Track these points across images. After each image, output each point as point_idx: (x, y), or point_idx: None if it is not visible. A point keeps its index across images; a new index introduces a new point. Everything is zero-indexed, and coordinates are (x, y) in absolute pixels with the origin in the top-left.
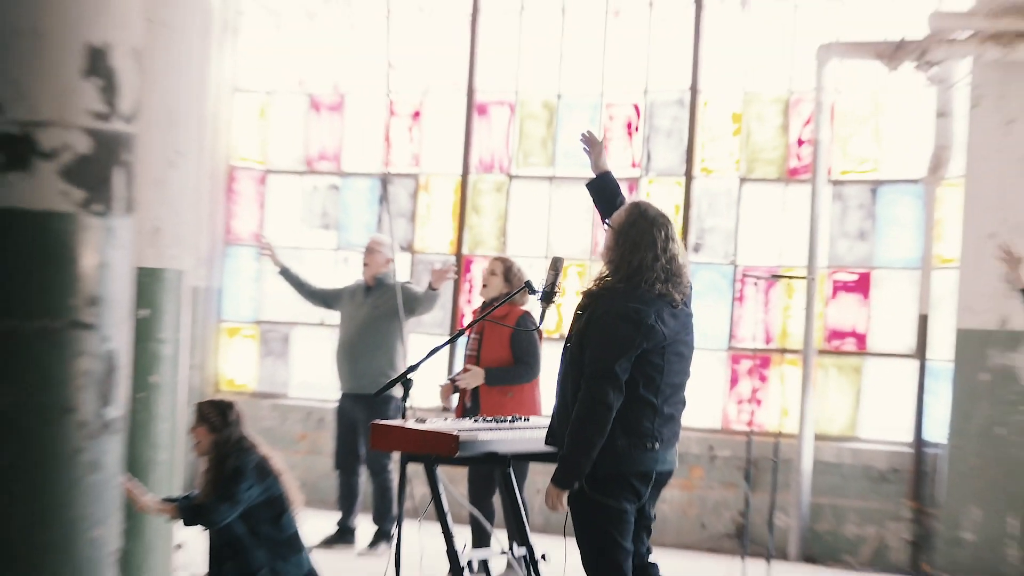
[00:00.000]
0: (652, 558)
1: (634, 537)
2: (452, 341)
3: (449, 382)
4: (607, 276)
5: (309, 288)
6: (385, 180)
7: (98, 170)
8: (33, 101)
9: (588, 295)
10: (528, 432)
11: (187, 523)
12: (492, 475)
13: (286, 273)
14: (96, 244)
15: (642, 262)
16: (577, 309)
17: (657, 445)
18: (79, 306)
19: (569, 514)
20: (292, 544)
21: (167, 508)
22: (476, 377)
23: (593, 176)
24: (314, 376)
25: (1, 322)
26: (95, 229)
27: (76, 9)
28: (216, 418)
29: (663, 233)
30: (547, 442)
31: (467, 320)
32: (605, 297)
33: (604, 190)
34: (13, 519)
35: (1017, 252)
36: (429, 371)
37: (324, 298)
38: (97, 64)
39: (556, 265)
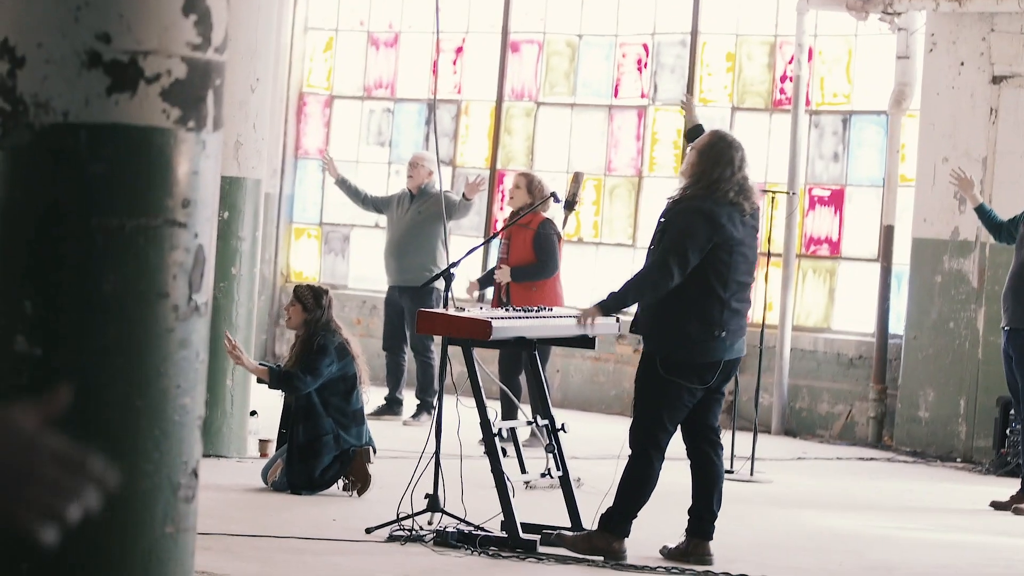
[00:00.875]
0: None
1: (705, 409)
2: (486, 243)
3: (475, 281)
4: (688, 187)
5: (362, 195)
6: (432, 105)
7: (193, 92)
8: (138, 33)
9: (671, 202)
10: (551, 320)
11: (273, 386)
12: (519, 356)
13: (343, 183)
14: (189, 155)
15: (721, 175)
16: (660, 217)
17: (724, 334)
18: (174, 207)
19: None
20: (356, 417)
21: (261, 370)
22: (504, 274)
23: (690, 127)
24: (369, 271)
25: (108, 219)
26: (189, 142)
27: None
28: (310, 300)
29: (739, 155)
30: (631, 330)
31: (499, 226)
32: (685, 201)
33: (695, 137)
34: (115, 387)
35: (967, 176)
36: (467, 267)
37: (375, 204)
38: (194, 3)
39: (577, 178)
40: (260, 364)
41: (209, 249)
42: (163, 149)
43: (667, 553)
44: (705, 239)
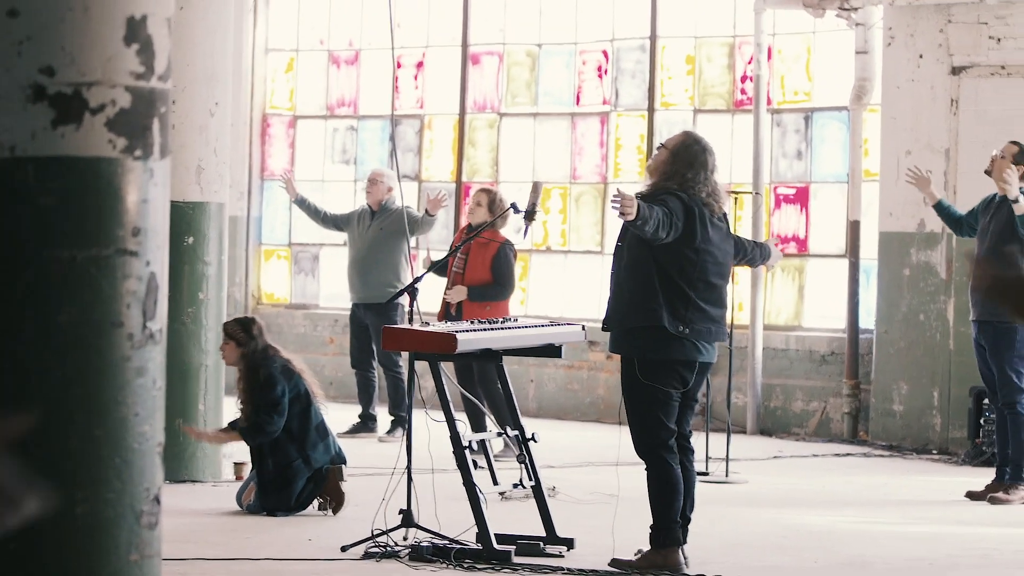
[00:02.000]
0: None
1: (678, 416)
2: (450, 256)
3: (428, 256)
4: (657, 184)
5: (322, 214)
6: (394, 121)
7: (138, 121)
8: (81, 65)
9: (640, 197)
10: (516, 331)
11: (250, 443)
12: (471, 368)
13: (302, 203)
14: (138, 183)
15: (695, 177)
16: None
17: (687, 331)
18: (125, 236)
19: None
20: (320, 432)
21: (230, 436)
22: (460, 293)
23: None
24: (340, 289)
25: (61, 251)
26: (137, 171)
27: None
28: (240, 333)
29: (712, 159)
30: (603, 328)
31: (458, 244)
32: (659, 194)
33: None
34: (75, 417)
35: (923, 173)
36: (430, 282)
37: (335, 222)
38: (136, 32)
39: (536, 188)
40: (223, 430)
41: (162, 276)
42: (111, 179)
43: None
44: (682, 223)
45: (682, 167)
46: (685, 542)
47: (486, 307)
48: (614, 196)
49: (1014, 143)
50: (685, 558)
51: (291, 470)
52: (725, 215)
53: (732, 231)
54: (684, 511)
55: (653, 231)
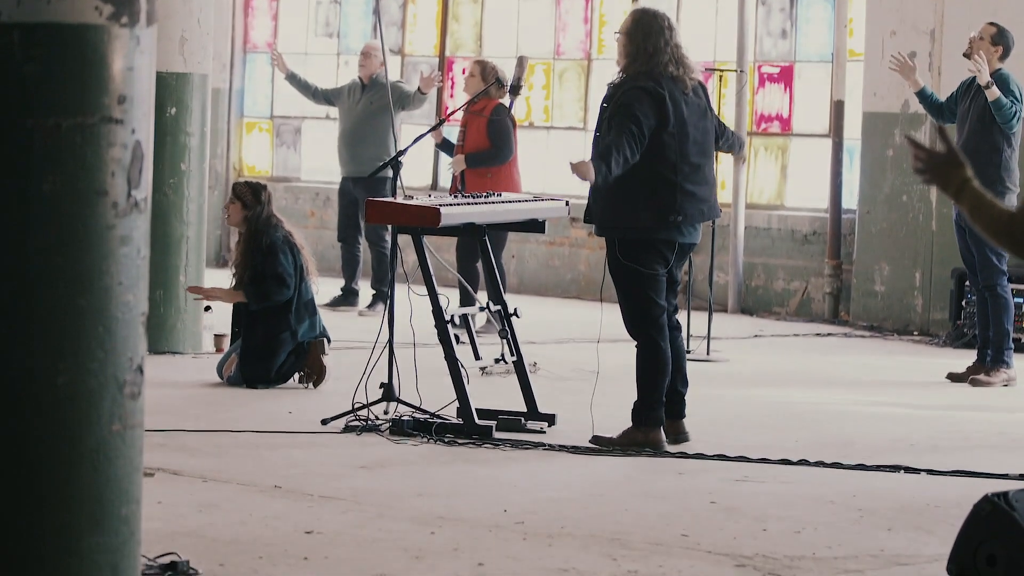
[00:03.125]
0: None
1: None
2: (434, 129)
3: (439, 130)
4: (626, 69)
5: (312, 89)
6: None
7: None
8: None
9: (611, 86)
10: (502, 205)
11: (253, 304)
12: (475, 244)
13: (292, 78)
14: (124, 51)
15: (655, 47)
16: (603, 102)
17: (680, 219)
18: (110, 104)
19: (610, 275)
20: (308, 308)
21: (234, 295)
22: (459, 163)
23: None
24: (321, 162)
25: (45, 119)
26: (123, 38)
27: None
28: (249, 196)
29: (667, 23)
30: (585, 219)
31: (449, 112)
32: (627, 82)
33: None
34: (57, 287)
35: (907, 60)
36: (416, 155)
37: (326, 96)
38: None
39: (522, 62)
40: (229, 289)
41: (147, 145)
42: (97, 46)
43: None
44: (653, 115)
45: (641, 41)
46: (683, 415)
47: (487, 175)
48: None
49: (991, 24)
50: (684, 431)
51: (277, 341)
52: (703, 88)
53: (711, 108)
54: (676, 385)
55: (622, 166)
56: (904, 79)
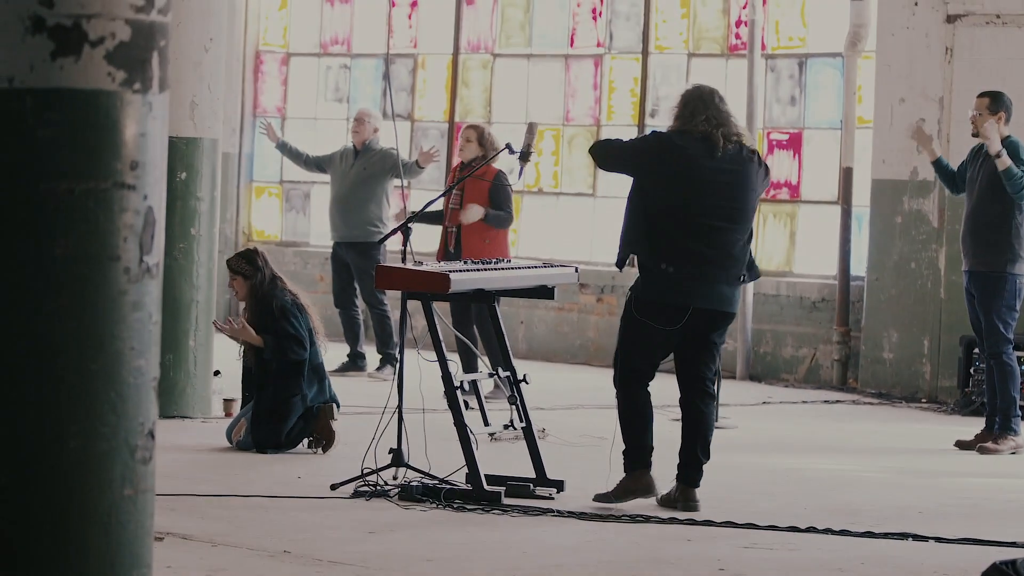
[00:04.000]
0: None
1: (695, 360)
2: (444, 196)
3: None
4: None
5: (304, 157)
6: (387, 60)
7: (138, 55)
8: None
9: None
10: (512, 272)
11: (270, 353)
12: (469, 308)
13: (283, 147)
14: (136, 117)
15: (694, 114)
16: None
17: (671, 269)
18: (123, 169)
19: None
20: (318, 372)
21: (257, 338)
22: (476, 213)
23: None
24: (328, 227)
25: (57, 184)
26: (135, 104)
27: None
28: (246, 267)
29: (714, 98)
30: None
31: (454, 182)
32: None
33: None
34: (69, 352)
35: (927, 131)
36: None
37: (317, 163)
38: None
39: (532, 128)
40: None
41: (159, 211)
42: (110, 112)
43: (659, 500)
44: (645, 153)
45: (682, 111)
46: (697, 485)
47: (485, 240)
48: None
49: (983, 95)
50: (694, 500)
51: (288, 405)
52: (740, 151)
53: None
54: (695, 452)
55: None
56: (922, 148)
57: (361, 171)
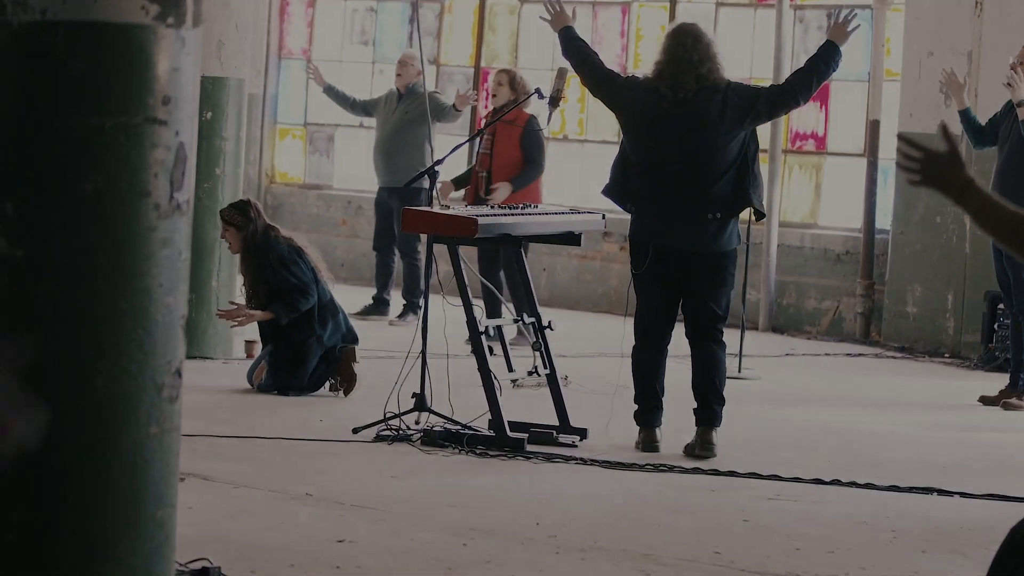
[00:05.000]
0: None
1: (689, 306)
2: (470, 140)
3: (449, 182)
4: None
5: (351, 100)
6: (415, 2)
7: None
8: None
9: None
10: (539, 217)
11: (284, 319)
12: (497, 253)
13: (330, 91)
14: (169, 52)
15: (654, 58)
16: None
17: (633, 209)
18: (155, 105)
19: None
20: (330, 308)
21: (265, 314)
22: (505, 189)
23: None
24: (354, 171)
25: (88, 118)
26: (169, 39)
27: None
28: (239, 218)
29: (680, 37)
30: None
31: (483, 123)
32: None
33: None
34: (98, 287)
35: (960, 79)
36: (451, 165)
37: (364, 107)
38: None
39: (561, 74)
40: (259, 310)
41: (190, 147)
42: (143, 46)
43: (685, 449)
44: (613, 97)
45: (656, 51)
46: (714, 425)
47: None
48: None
49: None
50: (709, 442)
51: (305, 348)
52: (707, 89)
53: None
54: (706, 392)
55: (567, 42)
56: (952, 95)
57: (404, 115)
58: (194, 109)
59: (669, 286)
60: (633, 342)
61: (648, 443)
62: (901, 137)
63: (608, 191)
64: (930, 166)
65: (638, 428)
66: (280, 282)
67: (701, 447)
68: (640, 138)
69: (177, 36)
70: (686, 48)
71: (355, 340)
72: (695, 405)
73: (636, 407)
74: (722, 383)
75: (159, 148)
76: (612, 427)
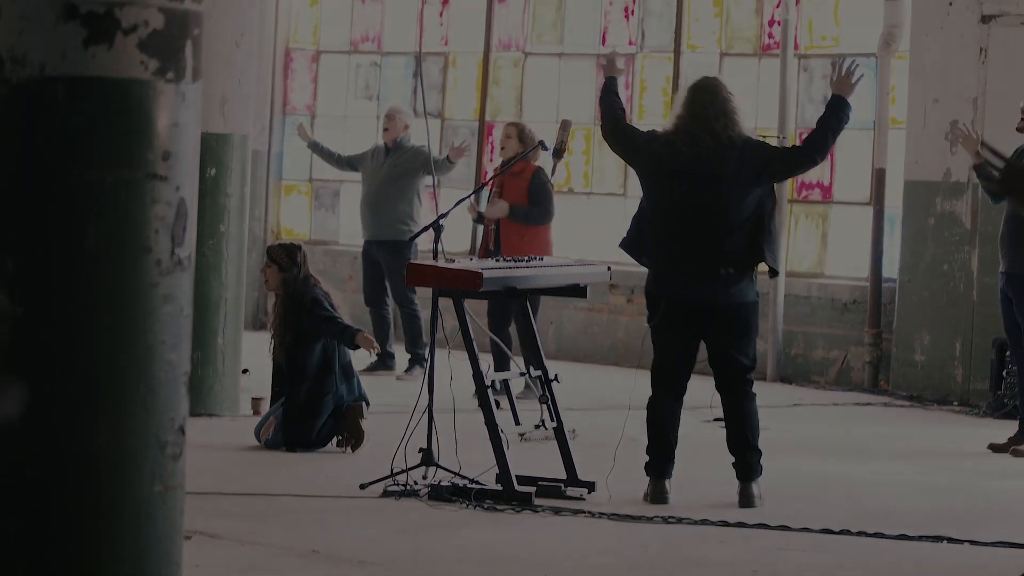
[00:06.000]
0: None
1: (716, 362)
2: (475, 193)
3: (473, 203)
4: None
5: (336, 156)
6: (419, 58)
7: (171, 43)
8: None
9: None
10: (544, 269)
11: (349, 342)
12: (508, 307)
13: (315, 146)
14: (169, 106)
15: (674, 111)
16: None
17: (649, 261)
18: (155, 160)
19: None
20: (347, 370)
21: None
22: (501, 209)
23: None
24: (360, 226)
25: (89, 174)
26: (168, 94)
27: None
28: (284, 259)
29: (699, 93)
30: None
31: (489, 176)
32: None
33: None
34: (99, 344)
35: (972, 132)
36: (454, 219)
37: (350, 162)
38: None
39: (565, 126)
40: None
41: (191, 202)
42: (142, 101)
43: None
44: (632, 151)
45: (674, 104)
46: (751, 479)
47: (524, 236)
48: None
49: None
50: (750, 495)
51: (320, 403)
52: (727, 143)
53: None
54: (740, 446)
55: (602, 102)
56: (965, 150)
57: (392, 169)
58: (195, 164)
59: (685, 337)
60: (648, 393)
61: (658, 495)
62: (985, 144)
63: (625, 244)
64: (1012, 175)
65: (648, 479)
66: (312, 322)
67: (741, 501)
68: (656, 192)
69: (177, 91)
70: (703, 104)
71: (367, 403)
72: (732, 459)
73: (648, 458)
74: (755, 435)
75: (160, 204)
76: (620, 479)
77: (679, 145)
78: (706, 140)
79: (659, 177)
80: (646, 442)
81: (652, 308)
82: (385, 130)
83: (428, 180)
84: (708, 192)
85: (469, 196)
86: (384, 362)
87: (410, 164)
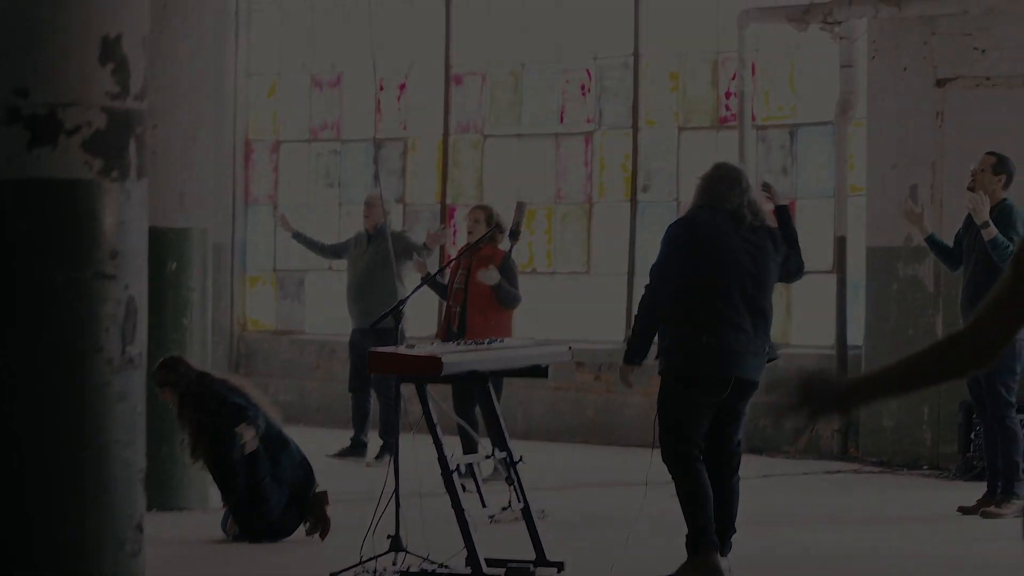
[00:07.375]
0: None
1: (724, 432)
2: (438, 273)
3: (419, 260)
4: (695, 204)
5: (319, 245)
6: (377, 144)
7: (114, 142)
8: (57, 86)
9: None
10: (504, 352)
11: (250, 420)
12: (471, 389)
13: (299, 236)
14: (115, 205)
15: (729, 189)
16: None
17: (713, 341)
18: (103, 259)
19: None
20: (277, 441)
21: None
22: (493, 276)
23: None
24: (326, 314)
25: (36, 275)
26: (114, 193)
27: (92, 5)
28: (170, 376)
29: (744, 178)
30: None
31: (452, 258)
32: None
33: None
34: (55, 443)
35: (916, 208)
36: (421, 303)
37: (334, 250)
38: (111, 52)
39: (520, 208)
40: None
41: (141, 300)
42: (88, 201)
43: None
44: (684, 246)
45: (723, 182)
46: (723, 554)
47: (490, 319)
48: None
49: (990, 154)
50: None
51: (260, 489)
52: (764, 225)
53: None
54: (723, 523)
55: (644, 316)
56: (914, 226)
57: (375, 256)
58: (143, 261)
59: (712, 414)
60: (678, 466)
61: (717, 568)
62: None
63: (674, 328)
64: (808, 399)
65: (698, 555)
66: (223, 418)
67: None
68: (719, 267)
69: (122, 189)
70: (750, 186)
71: (310, 471)
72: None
73: (699, 528)
74: (736, 512)
75: (109, 302)
76: (590, 559)
77: (740, 218)
78: (756, 217)
79: (724, 249)
80: (692, 519)
81: (709, 388)
82: (366, 217)
83: (411, 265)
84: (760, 265)
85: (429, 279)
86: (356, 449)
87: (394, 249)
